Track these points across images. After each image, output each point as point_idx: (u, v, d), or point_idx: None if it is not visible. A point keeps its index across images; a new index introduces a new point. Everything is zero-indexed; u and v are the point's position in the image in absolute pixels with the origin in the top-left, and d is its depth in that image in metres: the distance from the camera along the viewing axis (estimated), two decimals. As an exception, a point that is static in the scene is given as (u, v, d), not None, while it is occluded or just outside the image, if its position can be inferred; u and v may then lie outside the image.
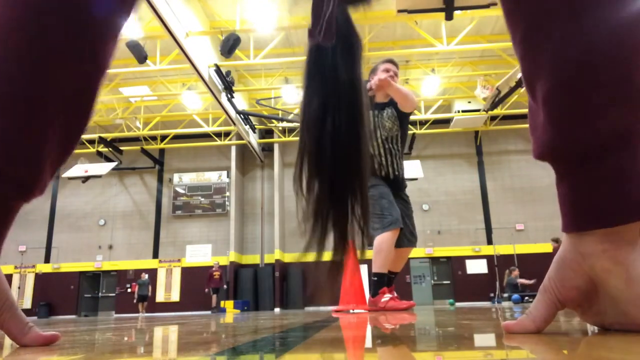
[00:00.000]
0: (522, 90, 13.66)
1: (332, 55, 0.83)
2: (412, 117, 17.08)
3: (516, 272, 13.76)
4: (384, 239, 3.41)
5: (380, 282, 3.53)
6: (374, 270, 3.52)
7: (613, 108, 0.66)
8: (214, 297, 16.22)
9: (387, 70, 3.62)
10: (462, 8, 8.78)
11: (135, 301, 16.24)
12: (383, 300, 3.49)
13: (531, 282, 13.32)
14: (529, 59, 0.72)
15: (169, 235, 18.54)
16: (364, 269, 19.39)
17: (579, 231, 0.72)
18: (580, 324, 1.00)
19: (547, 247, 16.83)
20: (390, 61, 3.76)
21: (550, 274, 0.77)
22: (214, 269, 16.24)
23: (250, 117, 15.61)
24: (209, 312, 15.69)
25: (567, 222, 0.73)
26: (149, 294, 16.62)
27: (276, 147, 17.77)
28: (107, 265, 18.36)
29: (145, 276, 16.79)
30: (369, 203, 0.84)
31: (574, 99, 0.67)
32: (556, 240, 13.15)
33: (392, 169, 3.63)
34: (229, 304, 15.48)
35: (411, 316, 2.45)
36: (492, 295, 16.18)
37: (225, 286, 17.06)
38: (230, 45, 10.65)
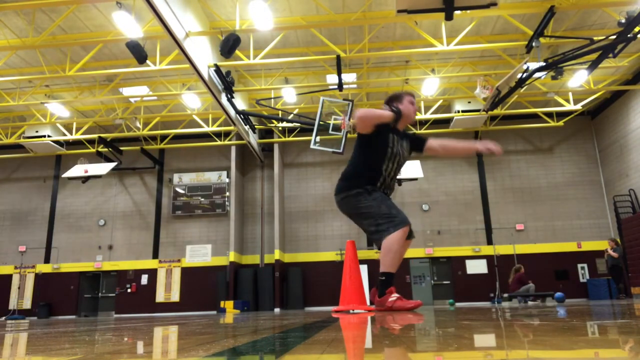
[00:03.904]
0: (522, 90, 13.67)
1: None
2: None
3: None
4: (395, 239, 3.45)
5: (388, 281, 3.57)
6: (383, 269, 3.55)
7: None
8: None
9: (412, 103, 3.95)
10: (462, 8, 8.77)
11: None
12: (390, 300, 3.52)
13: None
14: None
15: (169, 235, 18.54)
16: (364, 269, 19.30)
17: None
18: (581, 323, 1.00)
19: (547, 248, 16.83)
20: (414, 95, 4.13)
21: None
22: None
23: (250, 117, 15.60)
24: (213, 312, 15.62)
25: None
26: None
27: (276, 147, 17.77)
28: (107, 266, 18.36)
29: None
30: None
31: None
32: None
33: (390, 189, 3.90)
34: (228, 304, 15.46)
35: (417, 317, 2.44)
36: (492, 295, 16.18)
37: None
38: (230, 45, 10.63)
